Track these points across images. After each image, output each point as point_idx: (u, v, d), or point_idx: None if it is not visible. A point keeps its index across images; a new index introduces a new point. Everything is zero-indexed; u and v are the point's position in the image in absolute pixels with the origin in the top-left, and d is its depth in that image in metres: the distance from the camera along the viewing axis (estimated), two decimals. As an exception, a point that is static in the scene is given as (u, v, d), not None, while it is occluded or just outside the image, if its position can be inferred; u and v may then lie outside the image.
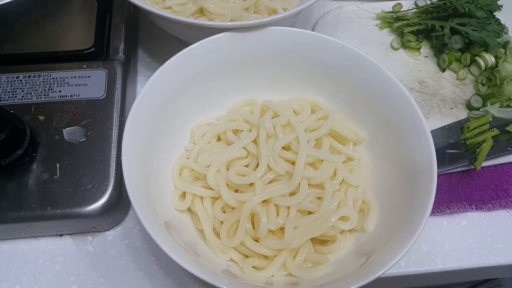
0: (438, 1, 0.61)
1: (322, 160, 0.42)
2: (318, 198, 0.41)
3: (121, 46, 0.54)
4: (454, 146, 0.50)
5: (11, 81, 0.49)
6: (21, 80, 0.49)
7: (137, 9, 0.54)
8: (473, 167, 0.48)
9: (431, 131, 0.40)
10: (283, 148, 0.43)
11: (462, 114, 0.54)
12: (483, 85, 0.56)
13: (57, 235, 0.45)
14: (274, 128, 0.44)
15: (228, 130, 0.45)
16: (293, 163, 0.41)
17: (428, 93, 0.56)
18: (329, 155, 0.42)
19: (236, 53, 0.46)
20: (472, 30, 0.56)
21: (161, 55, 0.59)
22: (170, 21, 0.45)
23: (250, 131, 0.45)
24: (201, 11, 0.54)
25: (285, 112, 0.45)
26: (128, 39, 0.56)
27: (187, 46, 0.44)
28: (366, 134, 0.46)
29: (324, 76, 0.47)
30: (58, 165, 0.44)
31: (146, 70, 0.58)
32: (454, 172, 0.49)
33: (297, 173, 0.40)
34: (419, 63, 0.59)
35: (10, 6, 0.55)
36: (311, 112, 0.47)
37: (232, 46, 0.45)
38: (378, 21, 0.63)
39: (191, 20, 0.44)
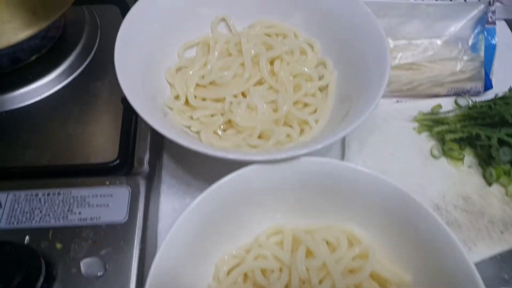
0: (482, 102, 0.57)
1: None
2: None
3: (146, 157, 0.51)
4: (509, 283, 0.44)
5: (29, 200, 0.47)
6: (40, 198, 0.47)
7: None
8: (532, 312, 0.42)
9: (479, 262, 0.36)
10: (318, 295, 0.39)
11: (515, 239, 0.49)
12: (536, 202, 0.51)
13: None
14: (307, 270, 0.40)
15: (256, 269, 0.41)
16: (330, 317, 0.37)
17: (475, 213, 0.51)
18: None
19: (265, 183, 0.43)
20: (522, 141, 0.52)
21: (187, 161, 0.56)
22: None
23: (280, 270, 0.41)
24: (229, 122, 0.51)
25: (319, 248, 0.41)
26: (154, 146, 0.53)
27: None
28: (410, 277, 0.41)
29: (360, 207, 0.44)
30: (74, 308, 0.41)
31: (171, 178, 0.55)
32: (510, 315, 0.44)
33: (335, 335, 0.36)
34: (462, 175, 0.54)
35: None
36: (348, 243, 0.43)
37: (261, 177, 0.43)
38: (416, 124, 0.59)
39: (217, 153, 0.41)
